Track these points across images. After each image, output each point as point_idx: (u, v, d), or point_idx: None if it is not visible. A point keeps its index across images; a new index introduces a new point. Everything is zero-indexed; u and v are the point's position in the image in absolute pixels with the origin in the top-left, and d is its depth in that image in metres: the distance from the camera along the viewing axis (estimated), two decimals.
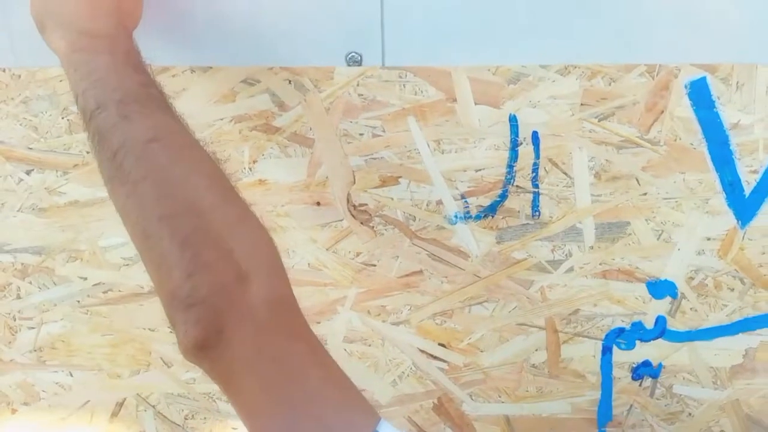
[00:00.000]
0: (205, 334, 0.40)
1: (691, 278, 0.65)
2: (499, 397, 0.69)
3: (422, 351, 0.68)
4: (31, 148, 0.66)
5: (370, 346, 0.68)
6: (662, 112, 0.61)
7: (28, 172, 0.66)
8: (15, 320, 0.70)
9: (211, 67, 0.62)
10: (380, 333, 0.68)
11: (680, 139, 0.61)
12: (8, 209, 0.67)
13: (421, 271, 0.66)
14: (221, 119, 0.64)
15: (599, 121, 0.62)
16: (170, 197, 0.43)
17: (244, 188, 0.64)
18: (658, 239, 0.64)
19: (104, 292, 0.69)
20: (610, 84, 0.61)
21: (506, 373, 0.68)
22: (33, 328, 0.70)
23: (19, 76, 0.63)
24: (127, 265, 0.68)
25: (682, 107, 0.61)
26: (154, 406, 0.72)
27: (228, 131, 0.64)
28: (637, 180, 0.63)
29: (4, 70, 0.63)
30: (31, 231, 0.68)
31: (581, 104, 0.61)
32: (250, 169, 0.64)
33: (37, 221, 0.68)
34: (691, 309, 0.66)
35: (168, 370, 0.71)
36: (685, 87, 0.60)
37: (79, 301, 0.69)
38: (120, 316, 0.70)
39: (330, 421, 0.40)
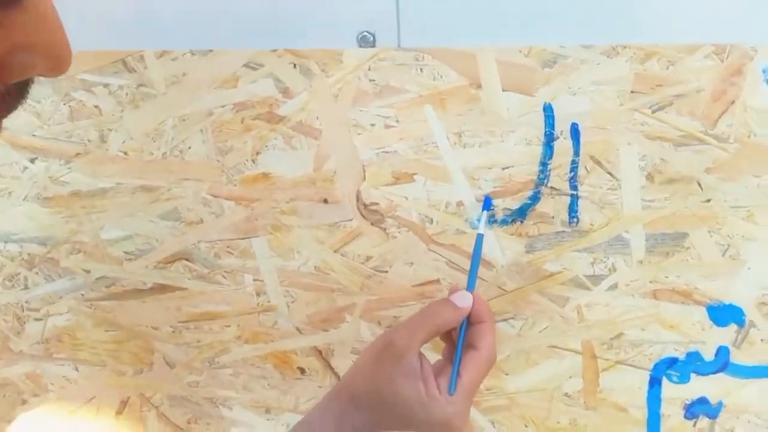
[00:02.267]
0: None
1: (764, 304, 0.54)
2: (526, 426, 0.60)
3: None
4: (34, 135, 0.63)
5: None
6: (733, 102, 0.50)
7: (32, 160, 0.64)
8: (23, 311, 0.68)
9: (211, 50, 0.57)
10: None
11: (755, 135, 0.51)
12: (15, 198, 0.65)
13: (438, 281, 0.58)
14: (222, 106, 0.58)
15: (653, 112, 0.52)
16: None
17: (247, 182, 0.59)
18: (723, 255, 0.53)
19: (107, 287, 0.65)
20: (667, 68, 0.51)
21: (535, 400, 0.59)
22: (40, 319, 0.68)
23: None
24: (129, 259, 0.64)
25: (758, 96, 0.50)
26: (157, 407, 0.68)
27: (230, 120, 0.58)
28: (699, 183, 0.53)
29: None
30: (36, 221, 0.65)
31: (631, 92, 0.52)
32: (254, 161, 0.59)
33: (41, 211, 0.65)
34: (761, 340, 0.55)
35: (171, 372, 0.67)
36: (763, 72, 0.49)
37: (83, 295, 0.66)
38: (123, 312, 0.66)
39: None
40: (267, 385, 0.65)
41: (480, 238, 0.52)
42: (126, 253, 0.64)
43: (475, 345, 0.47)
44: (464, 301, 0.48)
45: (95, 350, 0.68)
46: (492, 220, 0.56)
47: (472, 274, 0.51)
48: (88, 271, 0.65)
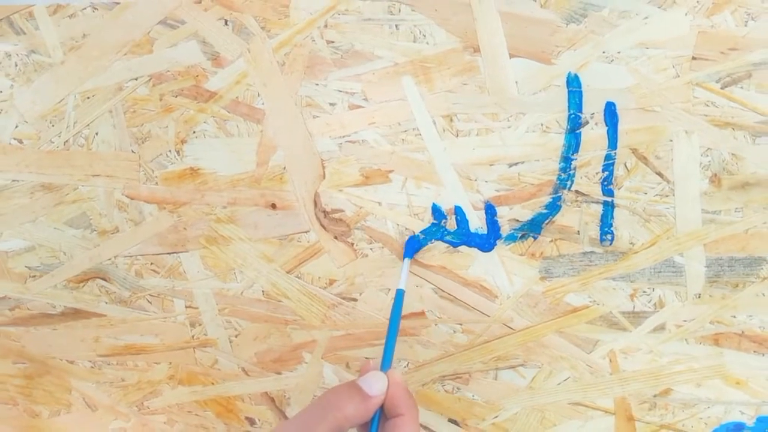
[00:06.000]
0: None
1: None
2: None
3: (425, 428, 0.46)
4: None
5: None
6: None
7: None
8: None
9: (117, 3, 0.42)
10: None
11: None
12: None
13: (423, 313, 0.44)
14: (135, 79, 0.43)
15: (723, 87, 0.37)
16: None
17: (171, 180, 0.44)
18: None
19: (10, 309, 0.52)
20: (746, 23, 0.35)
21: None
22: None
23: None
24: (34, 276, 0.50)
25: None
26: None
27: (145, 97, 0.44)
28: None
29: None
30: None
31: (693, 58, 0.36)
32: (178, 152, 0.44)
33: None
34: None
35: (93, 415, 0.53)
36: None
37: None
38: (32, 341, 0.53)
39: None
40: None
41: (400, 296, 0.39)
42: (29, 268, 0.50)
43: None
44: (376, 386, 0.35)
45: (3, 385, 0.55)
46: (496, 236, 0.41)
47: (389, 346, 0.38)
48: None
